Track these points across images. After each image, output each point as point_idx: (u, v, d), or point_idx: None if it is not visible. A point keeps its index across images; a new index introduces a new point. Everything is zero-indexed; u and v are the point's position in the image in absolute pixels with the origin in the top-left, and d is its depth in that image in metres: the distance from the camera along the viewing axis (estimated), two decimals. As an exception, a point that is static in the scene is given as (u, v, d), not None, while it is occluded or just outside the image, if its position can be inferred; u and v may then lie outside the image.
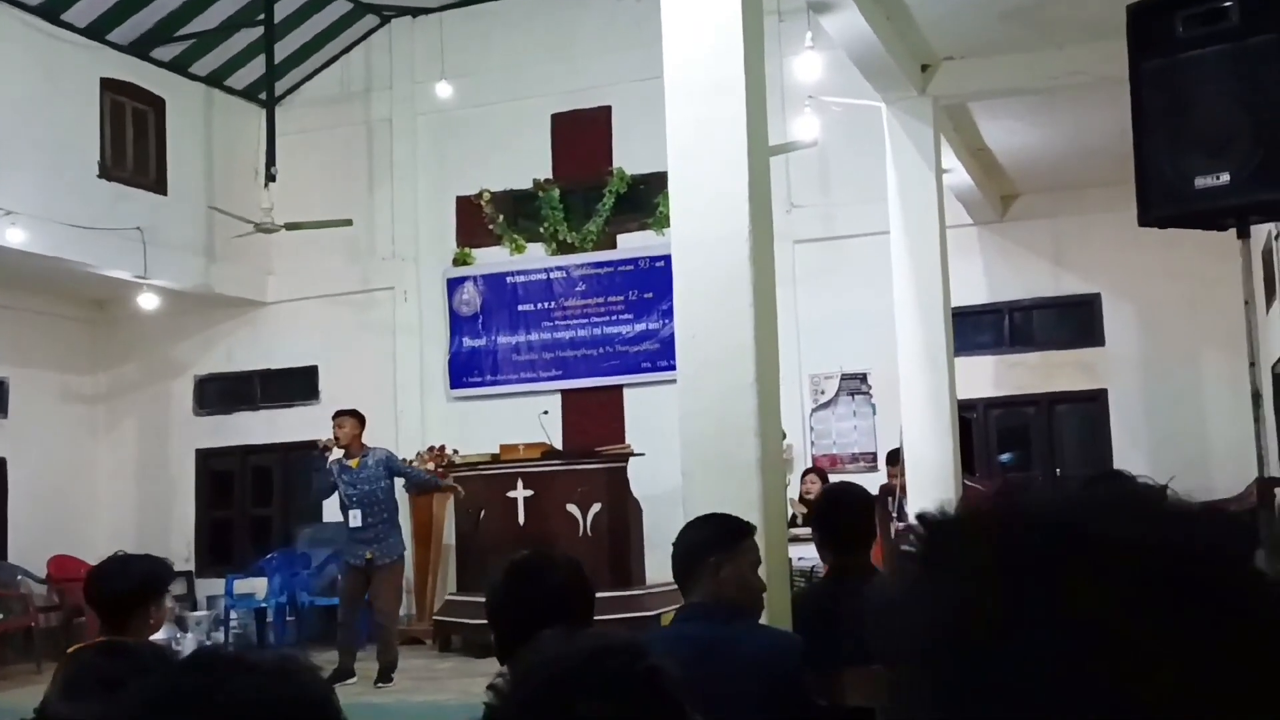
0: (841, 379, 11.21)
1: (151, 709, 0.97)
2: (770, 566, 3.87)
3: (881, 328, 9.25)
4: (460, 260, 12.53)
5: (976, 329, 11.06)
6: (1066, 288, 11.10)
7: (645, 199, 11.98)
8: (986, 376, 10.97)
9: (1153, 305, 10.76)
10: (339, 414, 8.79)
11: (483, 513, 10.14)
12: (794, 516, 8.33)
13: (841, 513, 3.81)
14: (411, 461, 11.48)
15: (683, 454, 4.05)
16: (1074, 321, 11.22)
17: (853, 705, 3.32)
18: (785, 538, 4.19)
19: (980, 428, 11.19)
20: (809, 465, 10.68)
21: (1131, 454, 10.63)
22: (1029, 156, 9.97)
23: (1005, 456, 11.53)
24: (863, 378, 11.16)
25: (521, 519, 9.86)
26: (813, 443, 11.22)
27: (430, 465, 11.43)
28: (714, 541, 3.09)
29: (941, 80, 7.54)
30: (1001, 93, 8.01)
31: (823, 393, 11.24)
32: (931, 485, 7.05)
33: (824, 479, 9.54)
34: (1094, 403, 11.05)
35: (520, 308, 12.31)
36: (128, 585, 3.22)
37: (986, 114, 8.76)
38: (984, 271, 11.08)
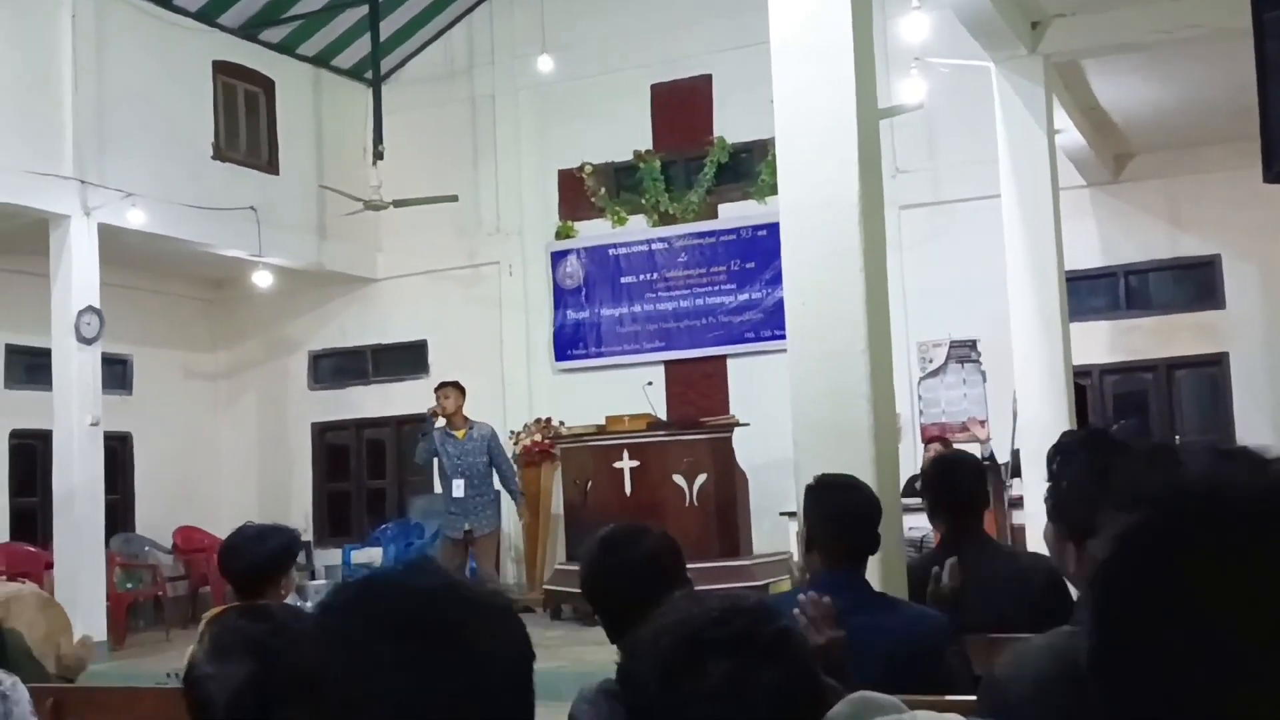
0: (950, 346, 11.04)
1: None
2: (886, 534, 3.84)
3: (991, 293, 9.08)
4: (563, 233, 12.61)
5: (1090, 293, 10.81)
6: (1184, 249, 10.77)
7: (747, 168, 11.92)
8: (1101, 342, 10.71)
9: (1277, 265, 10.38)
10: (443, 385, 8.99)
11: (590, 483, 10.23)
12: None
13: (954, 480, 3.76)
14: (519, 435, 11.66)
15: (794, 422, 4.04)
16: (1192, 284, 10.89)
17: (975, 675, 3.29)
18: (899, 505, 4.16)
19: (1096, 394, 10.94)
20: (918, 435, 10.57)
21: (1255, 419, 10.31)
22: (1144, 114, 9.67)
23: (1122, 423, 11.25)
24: (972, 345, 10.97)
25: (628, 489, 9.94)
26: (921, 411, 11.08)
27: (537, 437, 11.58)
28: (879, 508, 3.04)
29: (1052, 38, 7.34)
30: (1115, 49, 7.76)
31: (931, 361, 11.08)
32: (1047, 453, 6.90)
33: (949, 449, 9.41)
34: (1215, 367, 10.73)
35: (623, 279, 12.35)
36: (263, 556, 3.31)
37: (1099, 71, 8.51)
38: (1098, 234, 10.81)
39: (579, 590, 9.63)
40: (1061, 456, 2.26)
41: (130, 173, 10.37)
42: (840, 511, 2.99)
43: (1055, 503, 1.98)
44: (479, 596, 1.04)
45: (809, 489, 3.09)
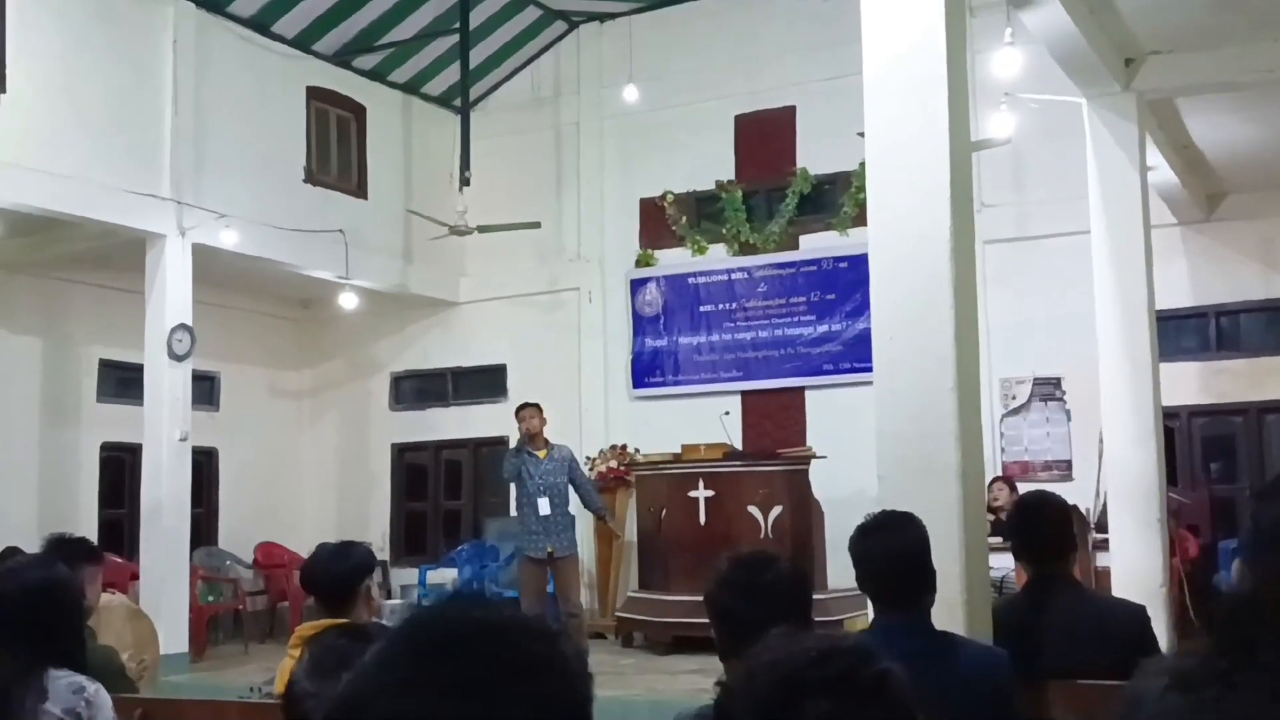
0: (1034, 384, 10.88)
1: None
2: (971, 574, 3.80)
3: (1076, 331, 8.95)
4: (643, 261, 12.66)
5: (1179, 333, 10.59)
6: (1278, 290, 10.51)
7: (829, 199, 11.89)
8: (1190, 383, 10.48)
9: (1376, 309, 10.10)
10: (529, 406, 9.01)
11: (664, 512, 10.22)
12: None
13: (1041, 522, 3.69)
14: (594, 460, 11.69)
15: (879, 458, 4.00)
16: (1286, 326, 10.63)
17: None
18: (985, 545, 4.10)
19: (1184, 437, 10.70)
20: (998, 473, 10.41)
21: (1350, 467, 10.00)
22: (1239, 153, 9.48)
23: (1209, 468, 10.98)
24: (1056, 383, 10.80)
25: (703, 519, 9.91)
26: (1003, 449, 10.92)
27: (613, 463, 11.60)
28: (929, 544, 2.94)
29: (1147, 75, 7.23)
30: (1212, 87, 7.63)
31: (1014, 398, 10.93)
32: (1134, 497, 6.77)
33: (1012, 488, 9.30)
34: (1309, 413, 10.44)
35: (702, 308, 12.36)
36: (346, 570, 3.43)
37: (1194, 109, 8.37)
38: (1188, 273, 10.59)
39: (651, 619, 9.60)
40: (1263, 498, 2.21)
41: (225, 194, 10.63)
42: (883, 554, 2.90)
43: (1252, 542, 1.92)
44: (525, 629, 1.02)
45: (857, 532, 2.99)
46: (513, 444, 9.13)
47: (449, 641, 0.98)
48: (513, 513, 12.31)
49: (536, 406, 9.04)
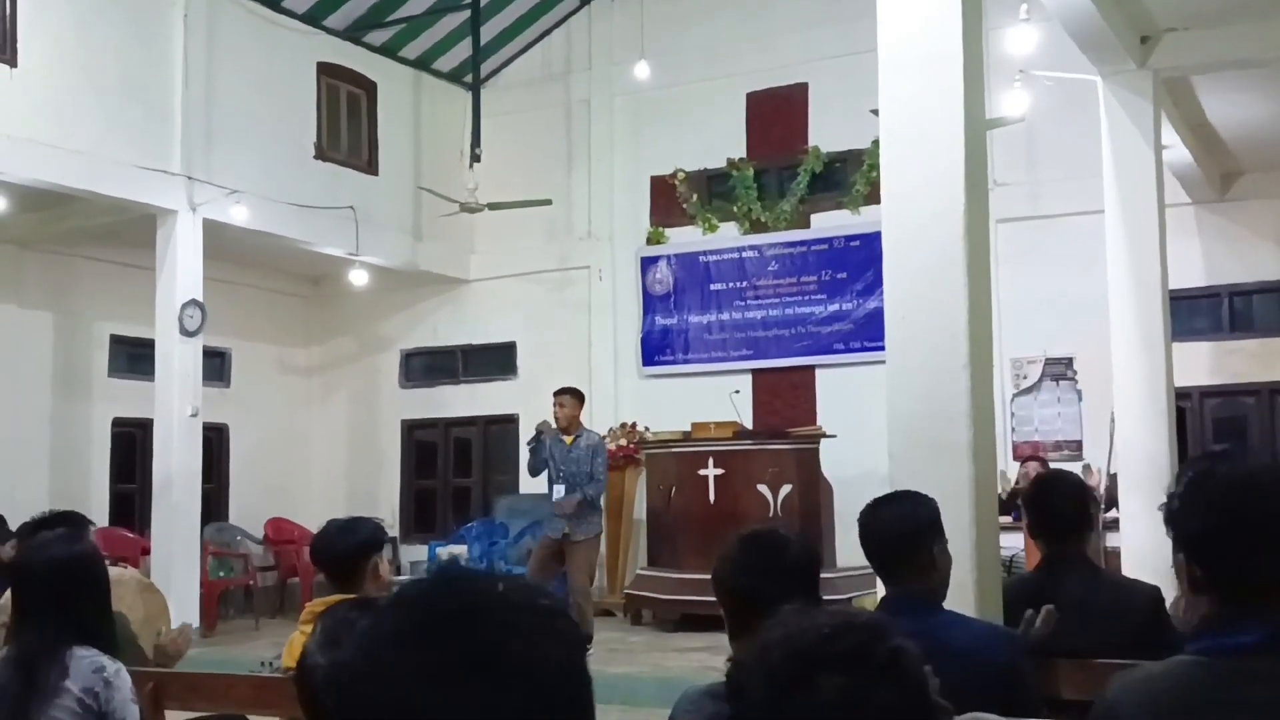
0: (1045, 364, 10.84)
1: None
2: (981, 554, 3.79)
3: (1088, 311, 8.91)
4: (654, 239, 12.63)
5: (1192, 313, 10.54)
6: (1292, 270, 10.46)
7: (841, 177, 11.84)
8: (1202, 364, 10.44)
9: (1391, 290, 10.04)
10: (561, 392, 8.85)
11: (674, 489, 10.23)
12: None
13: (1054, 501, 3.69)
14: (604, 439, 11.67)
15: (890, 436, 3.99)
16: (1300, 307, 10.57)
17: (1066, 699, 3.22)
18: (996, 525, 4.09)
19: (1195, 417, 10.66)
20: (1011, 451, 10.41)
21: (1363, 449, 9.96)
22: (1254, 132, 9.42)
23: (1220, 449, 10.95)
24: (1068, 363, 10.77)
25: (712, 497, 9.92)
26: (1013, 429, 10.90)
27: (623, 441, 11.61)
28: (934, 523, 2.92)
29: (1163, 52, 7.17)
30: (1228, 65, 7.57)
31: (1025, 378, 10.90)
32: (1146, 477, 6.75)
33: (1046, 468, 9.27)
34: (1321, 394, 10.39)
35: (712, 287, 12.34)
36: (354, 545, 3.44)
37: (1210, 87, 8.30)
38: (1202, 253, 10.54)
39: (660, 596, 9.58)
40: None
41: (235, 170, 10.62)
42: (883, 528, 2.90)
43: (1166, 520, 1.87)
44: (516, 602, 1.00)
45: (866, 506, 3.00)
46: (546, 423, 8.85)
47: (420, 625, 0.97)
48: (521, 490, 12.37)
49: (570, 393, 8.82)
